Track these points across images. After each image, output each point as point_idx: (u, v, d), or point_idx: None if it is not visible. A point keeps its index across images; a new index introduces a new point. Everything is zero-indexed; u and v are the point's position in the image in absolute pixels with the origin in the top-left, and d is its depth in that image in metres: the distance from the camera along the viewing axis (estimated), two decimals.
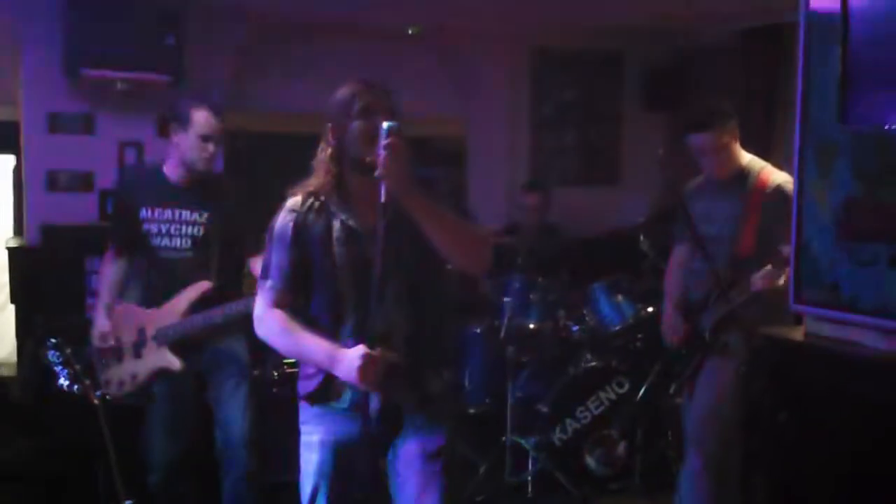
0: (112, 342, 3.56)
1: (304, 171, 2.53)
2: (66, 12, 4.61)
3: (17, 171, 5.46)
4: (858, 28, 2.53)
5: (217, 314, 3.43)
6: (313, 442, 2.52)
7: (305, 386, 2.53)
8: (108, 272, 3.66)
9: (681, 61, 6.07)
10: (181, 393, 3.55)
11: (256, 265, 3.45)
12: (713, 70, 5.84)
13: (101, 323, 3.60)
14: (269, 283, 2.49)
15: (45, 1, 4.72)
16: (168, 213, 3.51)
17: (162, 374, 3.50)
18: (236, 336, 3.57)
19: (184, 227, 3.51)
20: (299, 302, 2.49)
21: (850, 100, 2.55)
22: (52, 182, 4.95)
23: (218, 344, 3.55)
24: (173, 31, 4.73)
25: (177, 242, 3.50)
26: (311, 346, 2.43)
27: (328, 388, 2.46)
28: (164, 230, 3.50)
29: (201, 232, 3.51)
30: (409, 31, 5.61)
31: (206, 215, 3.52)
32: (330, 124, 2.43)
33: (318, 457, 2.50)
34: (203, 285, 3.47)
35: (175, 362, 3.46)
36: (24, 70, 4.88)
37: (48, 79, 4.82)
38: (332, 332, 2.44)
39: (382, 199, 2.25)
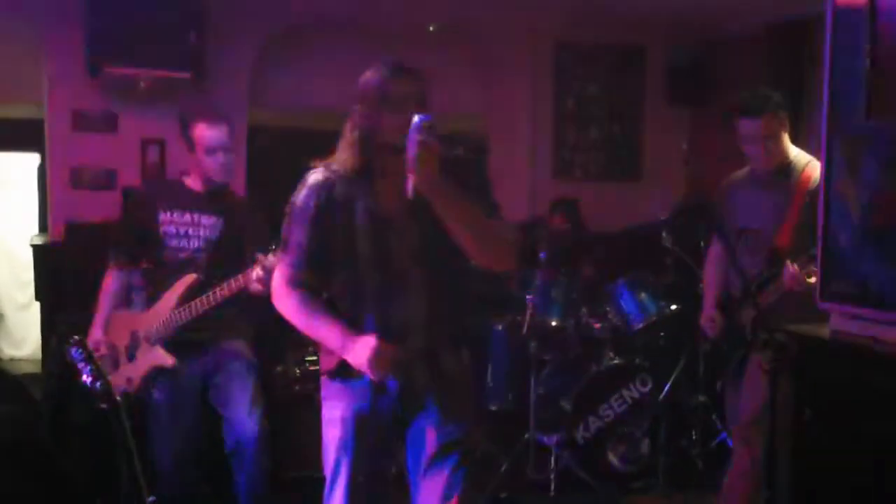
0: (104, 351, 3.56)
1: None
2: (90, 11, 4.63)
3: (43, 169, 5.50)
4: (885, 21, 2.49)
5: (200, 303, 3.44)
6: (335, 417, 2.51)
7: (327, 361, 2.52)
8: (109, 285, 3.67)
9: (704, 56, 6.02)
10: (181, 393, 3.55)
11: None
12: (737, 65, 5.79)
13: (95, 333, 3.61)
14: (287, 259, 2.48)
15: (69, 0, 4.75)
16: (188, 217, 3.55)
17: (158, 372, 3.52)
18: (238, 337, 3.63)
19: (201, 231, 3.56)
20: (319, 280, 2.48)
21: (877, 93, 2.52)
22: (76, 179, 4.98)
23: (220, 345, 3.58)
24: (196, 29, 4.75)
25: (193, 244, 3.54)
26: (325, 329, 2.44)
27: (348, 365, 2.42)
28: (181, 232, 3.54)
29: (216, 236, 3.56)
30: (430, 28, 5.61)
31: (221, 221, 3.57)
32: (358, 108, 2.36)
33: (339, 431, 2.49)
34: (189, 278, 3.49)
35: (168, 359, 3.48)
36: (48, 69, 4.92)
37: (72, 77, 4.85)
38: (351, 316, 2.43)
39: (409, 193, 2.20)
